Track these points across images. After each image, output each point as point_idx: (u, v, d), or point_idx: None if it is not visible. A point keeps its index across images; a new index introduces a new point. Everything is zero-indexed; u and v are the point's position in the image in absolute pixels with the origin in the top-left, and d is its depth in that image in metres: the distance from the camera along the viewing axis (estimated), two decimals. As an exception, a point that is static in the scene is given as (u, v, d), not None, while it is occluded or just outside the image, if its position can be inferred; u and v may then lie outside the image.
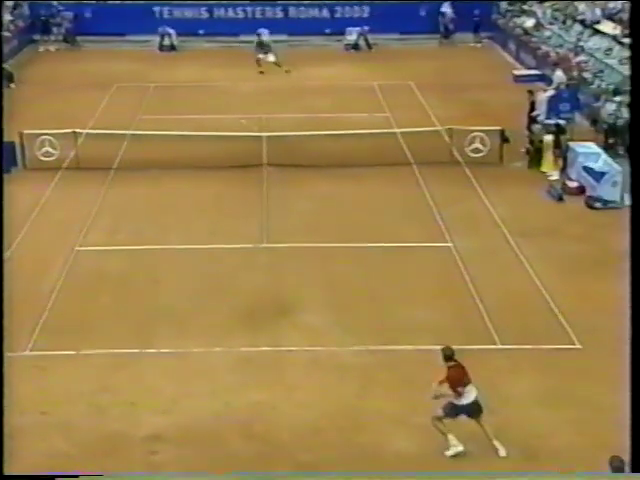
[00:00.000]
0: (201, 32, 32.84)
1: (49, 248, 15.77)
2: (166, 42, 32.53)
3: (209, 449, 10.37)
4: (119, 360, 12.24)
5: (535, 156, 19.74)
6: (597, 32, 26.72)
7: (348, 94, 26.12)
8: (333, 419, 10.93)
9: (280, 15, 33.98)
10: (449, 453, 10.17)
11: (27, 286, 14.31)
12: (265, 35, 31.50)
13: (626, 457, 7.94)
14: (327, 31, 33.40)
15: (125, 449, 10.36)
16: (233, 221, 16.97)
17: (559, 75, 23.47)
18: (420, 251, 15.77)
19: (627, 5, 23.89)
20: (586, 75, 24.02)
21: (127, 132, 21.12)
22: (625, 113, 19.53)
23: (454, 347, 12.37)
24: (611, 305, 12.67)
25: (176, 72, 28.86)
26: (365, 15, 33.64)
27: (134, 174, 19.30)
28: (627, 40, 22.22)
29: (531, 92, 21.94)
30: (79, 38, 32.90)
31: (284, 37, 33.04)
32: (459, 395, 10.12)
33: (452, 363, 10.24)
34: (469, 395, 10.19)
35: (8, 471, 9.69)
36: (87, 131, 20.84)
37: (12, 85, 27.32)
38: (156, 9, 33.58)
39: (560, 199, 18.02)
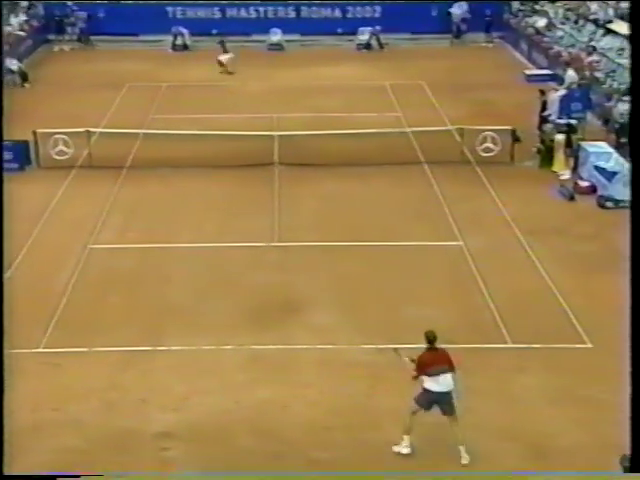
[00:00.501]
0: (214, 32, 32.92)
1: (62, 246, 15.88)
2: (179, 42, 32.66)
3: (219, 446, 10.42)
4: (130, 357, 12.33)
5: (546, 155, 19.72)
6: (609, 32, 26.66)
7: (359, 94, 26.15)
8: (343, 417, 10.97)
9: (292, 15, 34.03)
10: (395, 448, 10.15)
11: (40, 283, 14.45)
12: (277, 35, 31.68)
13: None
14: (339, 31, 33.43)
15: (136, 446, 10.42)
16: (244, 220, 17.04)
17: (571, 75, 23.43)
18: (430, 250, 15.79)
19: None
20: (598, 75, 23.97)
21: (139, 131, 21.22)
22: (637, 113, 19.46)
23: (463, 346, 12.52)
24: (622, 304, 12.62)
25: (188, 72, 28.96)
26: (377, 15, 33.65)
27: (146, 173, 19.40)
28: None
29: (543, 92, 21.91)
30: (93, 38, 33.05)
31: (296, 37, 33.12)
32: (427, 377, 9.93)
33: (431, 347, 10.09)
34: (442, 383, 9.99)
35: (14, 469, 9.80)
36: (100, 130, 20.96)
37: (26, 84, 27.52)
38: (169, 9, 33.70)
39: (571, 198, 18.00)
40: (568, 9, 30.79)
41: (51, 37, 33.39)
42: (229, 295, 14.10)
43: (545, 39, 29.43)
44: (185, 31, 32.62)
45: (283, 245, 15.91)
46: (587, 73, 24.16)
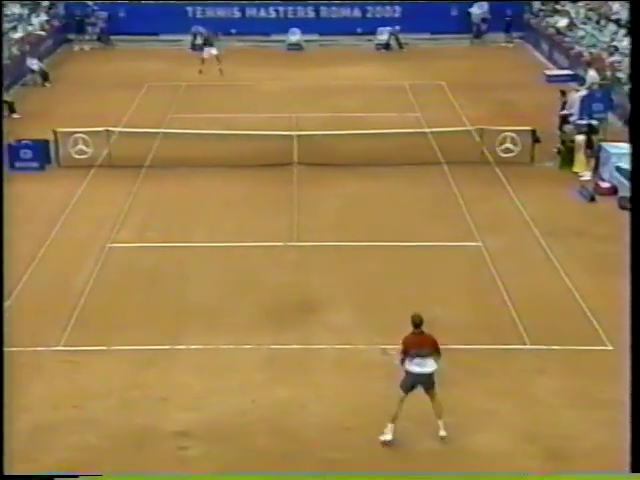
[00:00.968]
0: (233, 31, 33.01)
1: (81, 245, 15.95)
2: (198, 41, 32.71)
3: (237, 446, 10.43)
4: (149, 356, 12.36)
5: (567, 156, 19.61)
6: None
7: (379, 94, 26.12)
8: (360, 417, 10.94)
9: (312, 15, 34.07)
10: (381, 437, 10.29)
11: (60, 282, 14.53)
12: (296, 35, 31.66)
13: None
14: (358, 31, 33.43)
15: (155, 444, 10.44)
16: (262, 219, 17.06)
17: (592, 75, 23.29)
18: (449, 250, 15.74)
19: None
20: (620, 75, 23.80)
21: (158, 131, 21.31)
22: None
23: (482, 347, 12.48)
24: (642, 306, 12.54)
25: (207, 71, 28.98)
26: (396, 15, 33.63)
27: (165, 172, 19.47)
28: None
29: (563, 92, 21.81)
30: (113, 37, 33.24)
31: (315, 37, 33.16)
32: (409, 360, 10.17)
33: (416, 331, 10.31)
34: (422, 365, 10.19)
35: (34, 466, 9.88)
36: (119, 129, 21.06)
37: (47, 84, 27.70)
38: (189, 9, 33.84)
39: (592, 199, 17.89)
40: (590, 9, 30.60)
41: (71, 37, 33.60)
42: (248, 294, 14.12)
43: (566, 39, 29.28)
44: (204, 31, 32.66)
45: (301, 245, 15.91)
46: (608, 73, 24.00)
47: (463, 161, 19.71)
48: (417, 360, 10.23)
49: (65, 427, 10.73)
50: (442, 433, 10.32)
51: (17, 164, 19.80)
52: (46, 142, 20.16)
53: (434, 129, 21.33)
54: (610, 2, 29.26)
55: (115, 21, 33.39)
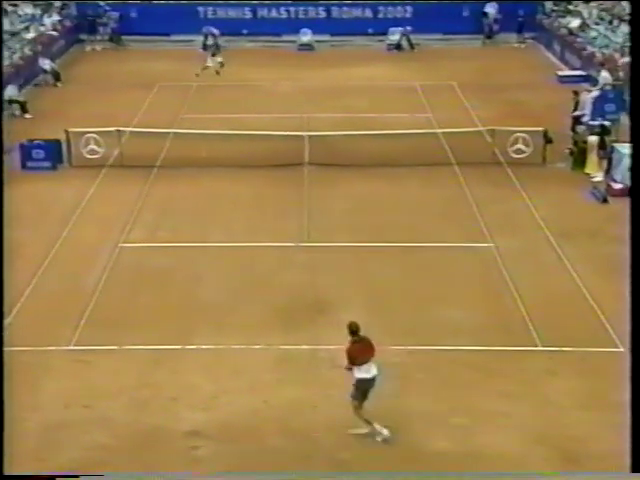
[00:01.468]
0: (244, 32, 33.03)
1: (93, 244, 15.98)
2: (210, 42, 32.76)
3: (248, 446, 10.43)
4: (160, 356, 12.38)
5: (579, 157, 19.53)
6: (644, 32, 26.31)
7: (390, 94, 26.08)
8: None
9: (323, 15, 34.04)
10: (378, 438, 10.32)
11: (71, 281, 14.57)
12: (308, 35, 31.69)
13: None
14: (370, 31, 33.37)
15: (166, 444, 10.45)
16: (273, 220, 17.05)
17: (605, 76, 23.19)
18: (461, 251, 15.70)
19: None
20: (632, 76, 23.66)
21: (170, 131, 21.33)
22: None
23: (494, 348, 12.44)
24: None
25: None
26: (408, 15, 33.55)
27: (176, 172, 19.49)
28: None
29: (576, 93, 21.73)
30: (125, 38, 33.28)
31: (326, 37, 33.13)
32: (358, 368, 10.29)
33: (355, 338, 10.37)
34: (371, 371, 10.33)
35: (46, 466, 9.90)
36: (131, 129, 21.08)
37: (59, 84, 27.77)
38: (200, 9, 33.85)
39: (604, 201, 17.80)
40: (602, 9, 30.46)
41: (83, 37, 33.67)
42: (258, 295, 14.11)
43: (578, 40, 29.15)
44: (216, 31, 32.72)
45: (312, 245, 15.90)
46: (621, 74, 23.88)
47: (474, 162, 19.66)
48: (365, 367, 10.35)
49: (76, 426, 10.75)
50: (360, 432, 10.44)
51: (29, 164, 19.87)
52: (58, 142, 20.22)
53: (445, 130, 21.28)
54: (623, 2, 29.12)
55: (127, 21, 33.44)
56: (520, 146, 19.94)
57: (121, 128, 20.53)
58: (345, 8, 34.04)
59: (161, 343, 12.65)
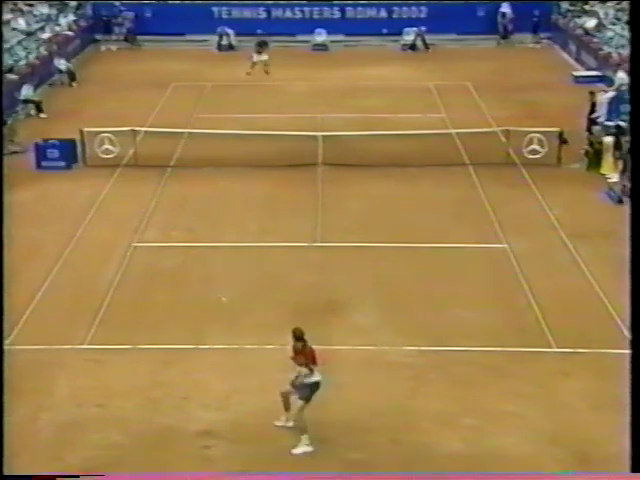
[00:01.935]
0: (259, 32, 33.06)
1: (107, 244, 16.03)
2: (224, 42, 32.85)
3: (259, 445, 10.43)
4: (173, 355, 12.40)
5: (594, 158, 19.43)
6: (661, 32, 26.14)
7: (404, 94, 26.04)
8: (383, 418, 10.91)
9: (337, 15, 34.03)
10: (297, 450, 10.24)
11: (85, 281, 14.62)
12: (322, 35, 31.70)
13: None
14: (384, 31, 33.33)
15: (178, 443, 10.47)
16: (286, 220, 17.05)
17: (621, 76, 23.05)
18: (474, 252, 15.65)
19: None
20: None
21: (184, 131, 21.38)
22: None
23: (508, 349, 12.39)
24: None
25: (233, 72, 29.06)
26: (422, 15, 33.50)
27: (190, 172, 19.53)
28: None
29: (592, 93, 21.62)
30: (139, 38, 33.40)
31: (341, 37, 33.12)
32: (311, 372, 10.36)
33: (304, 342, 10.44)
34: (316, 374, 10.42)
35: (60, 465, 9.94)
36: (145, 129, 21.14)
37: (74, 84, 27.89)
38: (215, 9, 33.93)
39: (619, 202, 17.70)
40: (619, 9, 30.28)
41: (99, 37, 33.83)
42: (271, 295, 14.12)
43: (594, 40, 29.01)
44: (230, 31, 32.80)
45: (326, 245, 15.89)
46: (637, 74, 23.72)
47: (489, 162, 19.59)
48: (315, 369, 10.47)
49: (89, 425, 10.78)
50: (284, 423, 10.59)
51: (44, 163, 19.96)
52: (73, 142, 20.30)
53: (459, 130, 21.23)
54: (639, 2, 28.92)
55: (142, 21, 33.56)
56: (535, 147, 19.86)
57: (136, 128, 20.58)
58: (360, 8, 34.02)
59: (174, 343, 12.68)
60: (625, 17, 29.47)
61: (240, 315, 13.49)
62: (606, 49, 27.60)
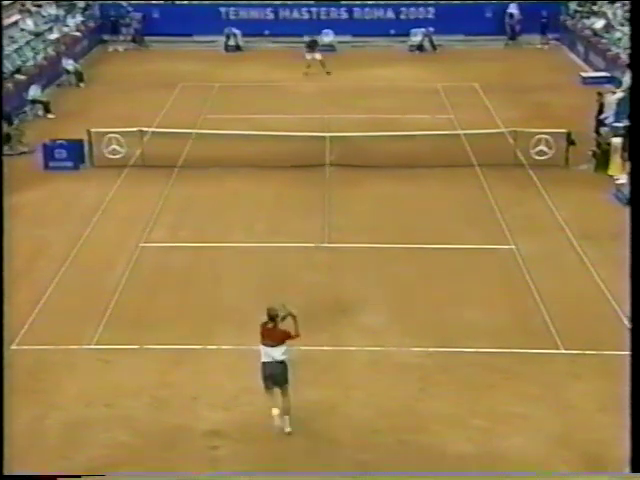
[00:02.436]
0: (266, 32, 33.09)
1: (114, 244, 16.05)
2: (232, 42, 32.85)
3: (268, 446, 10.43)
4: (181, 355, 12.41)
5: (602, 159, 19.38)
6: (669, 33, 26.07)
7: (411, 95, 26.02)
8: (392, 420, 10.90)
9: (345, 16, 34.00)
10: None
11: (93, 281, 14.63)
12: (329, 36, 31.71)
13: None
14: (392, 32, 33.27)
15: (186, 443, 10.48)
16: (294, 220, 17.05)
17: (629, 77, 22.99)
18: (482, 253, 15.62)
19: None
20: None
21: (191, 131, 21.38)
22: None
23: (516, 351, 12.36)
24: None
25: (241, 72, 29.11)
26: (430, 16, 33.44)
27: (198, 172, 19.54)
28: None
29: (600, 94, 21.56)
30: (147, 38, 33.43)
31: (348, 38, 33.08)
32: (261, 350, 10.60)
33: (269, 324, 10.61)
34: (268, 355, 10.55)
35: (67, 465, 9.95)
36: (153, 130, 21.15)
37: (82, 84, 27.93)
38: (222, 10, 33.93)
39: (628, 203, 17.64)
40: (627, 10, 30.18)
41: (106, 37, 33.85)
42: (279, 295, 14.01)
43: (603, 41, 28.93)
44: (238, 32, 32.81)
45: (333, 246, 15.88)
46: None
47: (496, 163, 19.56)
48: (265, 350, 10.59)
49: (97, 425, 10.79)
50: (287, 429, 10.55)
51: (51, 164, 20.00)
52: (80, 142, 20.33)
53: (467, 131, 21.20)
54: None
55: (149, 22, 33.58)
56: (543, 148, 19.81)
57: (143, 128, 20.60)
58: (367, 9, 33.98)
59: (182, 343, 12.69)
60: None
61: (248, 315, 13.41)
62: (614, 50, 27.52)
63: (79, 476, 7.42)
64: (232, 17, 33.86)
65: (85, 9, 33.87)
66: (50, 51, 28.52)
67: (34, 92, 24.44)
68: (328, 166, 19.70)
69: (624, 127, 19.69)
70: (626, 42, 27.91)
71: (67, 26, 31.53)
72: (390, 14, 33.81)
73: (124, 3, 33.87)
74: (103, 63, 31.27)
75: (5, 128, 20.77)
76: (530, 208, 17.59)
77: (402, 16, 33.72)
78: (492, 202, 17.80)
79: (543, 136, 19.80)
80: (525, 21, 32.81)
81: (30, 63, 26.77)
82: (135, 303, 13.91)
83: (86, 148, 20.28)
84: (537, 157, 19.78)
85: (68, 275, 14.83)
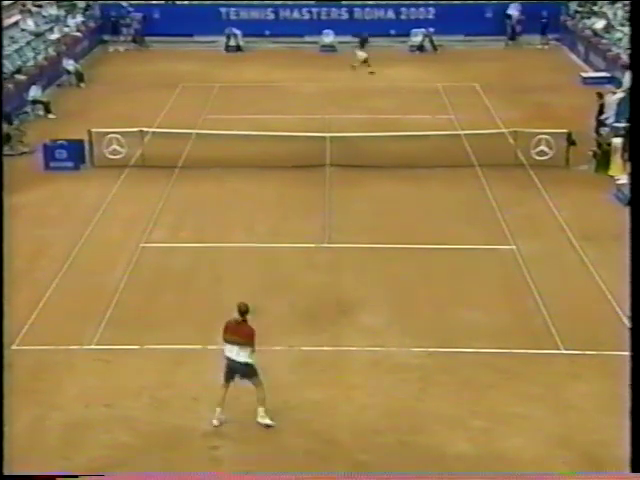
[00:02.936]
0: (267, 33, 33.09)
1: (115, 244, 16.05)
2: (232, 43, 32.86)
3: (268, 446, 10.43)
4: (181, 356, 12.41)
5: (603, 159, 19.38)
6: (670, 33, 26.07)
7: (412, 95, 26.02)
8: (392, 420, 10.90)
9: (345, 16, 34.01)
10: (214, 421, 10.64)
11: (93, 281, 14.63)
12: (330, 36, 31.74)
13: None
14: (392, 32, 33.30)
15: (186, 444, 10.47)
16: (295, 220, 17.05)
17: (630, 78, 22.99)
18: (482, 254, 15.62)
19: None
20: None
21: (192, 131, 21.39)
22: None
23: (516, 351, 12.36)
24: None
25: (241, 72, 29.13)
26: (430, 16, 33.46)
27: (198, 173, 19.54)
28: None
29: (600, 94, 21.56)
30: (148, 39, 33.44)
31: (348, 38, 33.06)
32: (224, 344, 10.74)
33: (238, 319, 10.71)
34: (232, 351, 10.62)
35: (68, 464, 9.95)
36: (153, 130, 21.16)
37: (82, 84, 27.94)
38: (223, 10, 33.94)
39: (628, 203, 17.63)
40: (628, 10, 30.19)
41: (107, 38, 33.86)
42: (280, 296, 14.11)
43: (603, 41, 28.93)
44: (238, 32, 32.81)
45: (334, 246, 15.88)
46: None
47: (497, 164, 19.56)
48: (228, 346, 10.64)
49: (97, 425, 10.79)
50: (266, 421, 10.61)
51: (52, 164, 20.00)
52: (81, 142, 20.34)
53: (467, 131, 21.20)
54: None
55: (150, 22, 33.59)
56: (543, 148, 19.81)
57: (144, 128, 20.61)
58: (367, 9, 33.98)
59: (182, 343, 12.68)
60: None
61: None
62: (615, 50, 27.52)
63: (77, 476, 7.39)
64: (232, 17, 33.87)
65: (86, 9, 33.89)
66: (51, 51, 28.53)
67: (35, 92, 24.45)
68: (328, 166, 19.70)
69: (624, 127, 19.70)
70: (626, 42, 27.92)
71: (68, 26, 31.53)
72: (390, 14, 33.82)
73: (124, 3, 33.88)
74: (104, 63, 31.27)
75: (5, 128, 20.77)
76: (530, 208, 17.59)
77: (402, 16, 33.73)
78: (492, 202, 17.80)
79: (543, 136, 19.80)
80: (525, 21, 32.82)
81: (31, 63, 26.79)
82: (135, 303, 13.91)
83: (87, 148, 20.28)
84: (537, 157, 19.79)
85: (68, 275, 14.83)
